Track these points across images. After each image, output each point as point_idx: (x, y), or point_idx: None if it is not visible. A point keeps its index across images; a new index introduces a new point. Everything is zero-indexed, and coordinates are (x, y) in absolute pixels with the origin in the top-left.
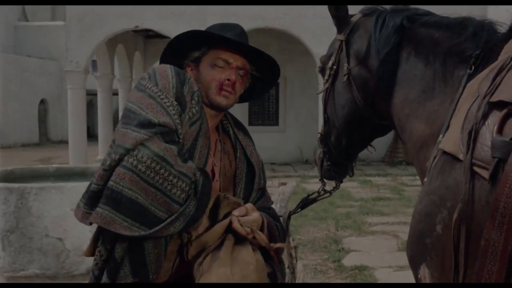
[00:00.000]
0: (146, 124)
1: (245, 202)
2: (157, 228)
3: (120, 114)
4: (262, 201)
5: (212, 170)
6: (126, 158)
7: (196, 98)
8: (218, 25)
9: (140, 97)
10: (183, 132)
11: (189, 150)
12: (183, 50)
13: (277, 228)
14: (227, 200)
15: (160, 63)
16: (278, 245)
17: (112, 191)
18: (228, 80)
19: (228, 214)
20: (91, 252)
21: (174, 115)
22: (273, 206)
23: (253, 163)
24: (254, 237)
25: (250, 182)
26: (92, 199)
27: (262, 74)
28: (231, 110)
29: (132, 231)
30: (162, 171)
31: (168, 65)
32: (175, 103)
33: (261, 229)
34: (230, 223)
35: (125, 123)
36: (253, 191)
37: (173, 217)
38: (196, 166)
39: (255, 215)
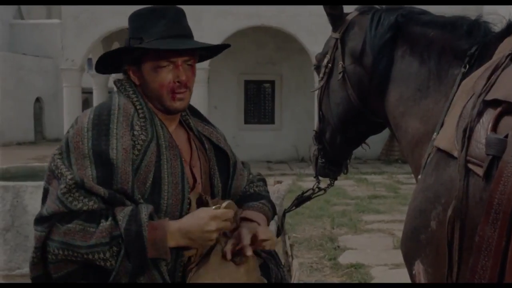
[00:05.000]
0: (40, 220)
1: (224, 188)
2: None
3: None
4: (236, 177)
5: (193, 175)
6: (46, 254)
7: (139, 122)
8: (148, 12)
9: (45, 189)
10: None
11: (153, 178)
12: (120, 56)
13: (264, 205)
14: (212, 202)
15: (97, 70)
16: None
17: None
18: (179, 82)
19: None
20: None
21: (67, 199)
22: None
23: (222, 147)
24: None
25: (225, 168)
26: None
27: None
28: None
29: None
30: (76, 254)
31: (86, 117)
32: (73, 189)
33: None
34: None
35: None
36: (230, 175)
37: (112, 277)
38: (121, 210)
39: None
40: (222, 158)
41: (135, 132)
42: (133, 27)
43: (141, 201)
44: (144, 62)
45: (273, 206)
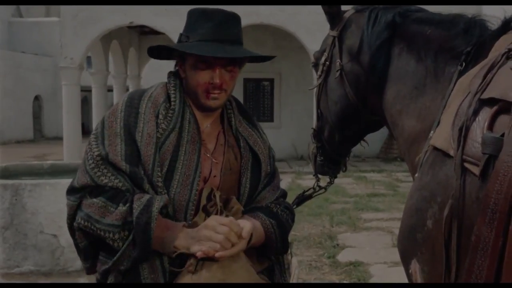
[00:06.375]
0: (72, 191)
1: (252, 191)
2: (106, 266)
3: None
4: (268, 189)
5: (211, 168)
6: (75, 219)
7: (164, 112)
8: (199, 13)
9: (81, 164)
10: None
11: (168, 166)
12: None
13: (272, 226)
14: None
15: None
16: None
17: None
18: (213, 83)
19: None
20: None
21: (96, 174)
22: None
23: (256, 152)
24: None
25: (257, 171)
26: None
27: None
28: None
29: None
30: (92, 227)
31: (121, 100)
32: (101, 165)
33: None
34: None
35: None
36: (260, 180)
37: (115, 257)
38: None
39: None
40: (257, 162)
41: (158, 121)
42: (186, 24)
43: (159, 183)
44: (187, 59)
45: (283, 235)
